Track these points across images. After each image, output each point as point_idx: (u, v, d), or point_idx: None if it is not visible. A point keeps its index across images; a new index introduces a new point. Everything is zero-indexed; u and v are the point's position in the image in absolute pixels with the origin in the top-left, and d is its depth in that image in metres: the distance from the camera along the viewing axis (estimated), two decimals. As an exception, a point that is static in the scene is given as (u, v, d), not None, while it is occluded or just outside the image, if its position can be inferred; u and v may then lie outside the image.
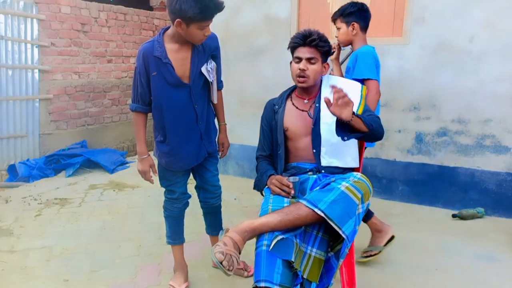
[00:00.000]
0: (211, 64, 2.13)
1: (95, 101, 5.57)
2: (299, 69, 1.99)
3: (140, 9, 6.17)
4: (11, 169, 4.55)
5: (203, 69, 2.09)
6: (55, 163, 4.71)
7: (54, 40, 4.95)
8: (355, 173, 1.83)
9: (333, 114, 1.73)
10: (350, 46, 2.64)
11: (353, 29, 2.50)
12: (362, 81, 2.36)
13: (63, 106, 5.14)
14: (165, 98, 2.07)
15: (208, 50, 2.11)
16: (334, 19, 2.59)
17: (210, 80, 2.14)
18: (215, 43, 2.16)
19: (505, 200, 3.43)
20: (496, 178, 3.45)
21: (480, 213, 3.42)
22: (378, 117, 1.98)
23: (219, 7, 1.90)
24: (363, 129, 1.82)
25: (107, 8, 5.60)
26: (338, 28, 2.57)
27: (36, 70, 4.83)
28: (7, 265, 2.62)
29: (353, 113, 1.76)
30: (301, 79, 2.00)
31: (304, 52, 1.99)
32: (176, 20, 1.88)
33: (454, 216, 3.41)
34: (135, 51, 6.07)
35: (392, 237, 2.63)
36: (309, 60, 1.97)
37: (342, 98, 1.69)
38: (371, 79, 2.39)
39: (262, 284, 1.62)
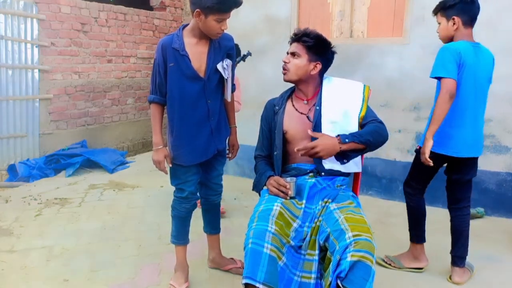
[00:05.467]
0: (227, 61, 2.20)
1: (95, 101, 5.57)
2: (283, 61, 2.06)
3: (140, 9, 6.17)
4: (11, 169, 4.55)
5: (219, 66, 2.16)
6: (55, 163, 4.71)
7: (54, 40, 4.95)
8: (352, 234, 1.64)
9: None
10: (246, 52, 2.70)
11: (453, 24, 2.29)
12: (439, 80, 2.25)
13: (63, 106, 5.13)
14: (179, 89, 2.13)
15: (224, 49, 2.19)
16: (435, 13, 2.40)
17: (225, 76, 2.19)
18: (231, 43, 2.25)
19: (505, 200, 3.43)
20: (496, 178, 3.45)
21: (480, 213, 3.42)
22: (381, 122, 1.96)
23: (237, 2, 2.01)
24: (360, 147, 1.87)
25: (107, 8, 5.60)
26: (439, 23, 2.38)
27: (36, 70, 4.83)
28: (7, 265, 2.62)
29: (343, 141, 1.82)
30: (283, 71, 2.07)
31: (291, 47, 2.06)
32: (196, 10, 1.98)
33: (454, 216, 3.41)
34: (135, 51, 6.07)
35: (420, 268, 2.58)
36: (292, 54, 2.04)
37: (310, 152, 1.79)
38: (443, 77, 2.21)
39: (245, 281, 1.64)
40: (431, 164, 2.29)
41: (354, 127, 1.95)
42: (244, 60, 3.33)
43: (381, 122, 1.96)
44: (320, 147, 1.78)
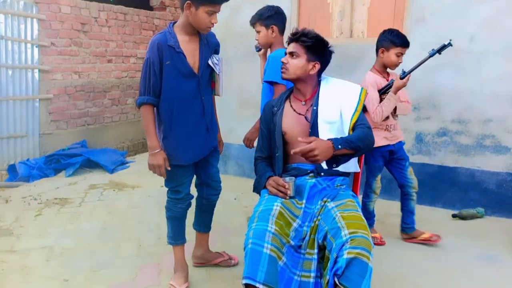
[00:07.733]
0: (217, 57, 2.23)
1: (95, 101, 5.57)
2: (282, 61, 2.07)
3: (140, 9, 6.17)
4: (11, 169, 4.55)
5: (210, 62, 2.18)
6: (55, 163, 4.71)
7: (54, 40, 4.95)
8: (348, 231, 1.64)
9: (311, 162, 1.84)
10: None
11: (272, 31, 2.54)
12: (271, 84, 2.46)
13: (63, 106, 5.13)
14: (177, 88, 2.12)
15: (212, 45, 2.23)
16: (253, 23, 2.62)
17: (217, 72, 2.22)
18: (216, 40, 2.29)
19: (505, 200, 3.43)
20: (496, 178, 3.45)
21: (480, 213, 3.42)
22: (369, 127, 1.96)
23: None
24: (350, 153, 1.87)
25: (107, 8, 5.60)
26: (258, 32, 2.60)
27: (36, 70, 4.83)
28: (7, 265, 2.62)
29: (335, 146, 1.80)
30: (282, 70, 2.08)
31: (289, 47, 2.07)
32: (187, 2, 1.97)
33: (454, 216, 3.42)
34: (135, 51, 6.07)
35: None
36: (291, 54, 2.05)
37: (308, 155, 1.77)
38: (278, 83, 2.41)
39: (245, 281, 1.64)
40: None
41: (347, 129, 1.96)
42: (440, 53, 2.71)
43: (369, 128, 1.97)
44: (318, 150, 1.75)
